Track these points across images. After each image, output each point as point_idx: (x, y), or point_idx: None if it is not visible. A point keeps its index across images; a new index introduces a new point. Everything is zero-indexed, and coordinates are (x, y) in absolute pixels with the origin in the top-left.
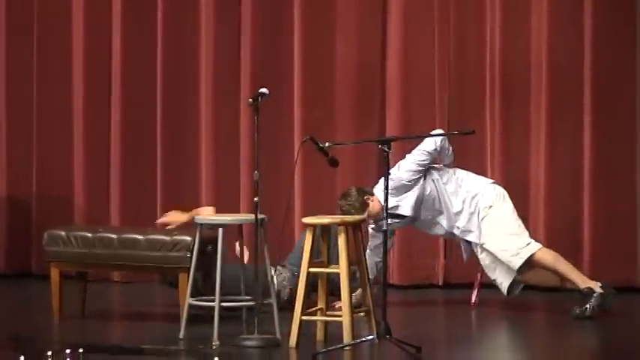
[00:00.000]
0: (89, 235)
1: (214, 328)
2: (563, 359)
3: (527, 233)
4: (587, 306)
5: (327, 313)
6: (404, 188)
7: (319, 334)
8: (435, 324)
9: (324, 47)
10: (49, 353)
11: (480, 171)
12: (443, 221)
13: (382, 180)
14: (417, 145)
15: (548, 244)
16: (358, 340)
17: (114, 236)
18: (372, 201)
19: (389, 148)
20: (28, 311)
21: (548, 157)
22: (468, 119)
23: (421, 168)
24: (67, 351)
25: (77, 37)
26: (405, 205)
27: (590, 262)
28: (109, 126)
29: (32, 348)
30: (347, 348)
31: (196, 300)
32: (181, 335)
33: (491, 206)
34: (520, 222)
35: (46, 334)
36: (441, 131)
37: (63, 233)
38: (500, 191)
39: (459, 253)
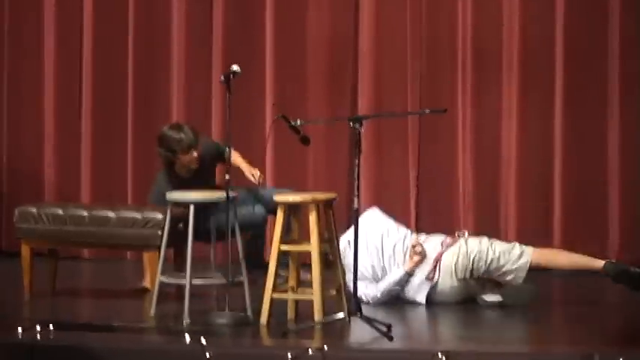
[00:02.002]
0: (60, 212)
1: (185, 306)
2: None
3: None
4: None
5: (298, 290)
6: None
7: (290, 312)
8: (406, 302)
9: (296, 22)
10: (20, 330)
11: (452, 145)
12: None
13: (350, 234)
14: (388, 121)
15: (520, 214)
16: (329, 318)
17: (85, 213)
18: None
19: (360, 126)
20: None
21: (519, 129)
22: (440, 94)
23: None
24: (38, 328)
25: (49, 11)
26: None
27: (562, 233)
28: (79, 102)
29: (3, 324)
30: (318, 326)
31: (167, 277)
32: (152, 313)
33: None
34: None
35: (16, 311)
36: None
37: (34, 210)
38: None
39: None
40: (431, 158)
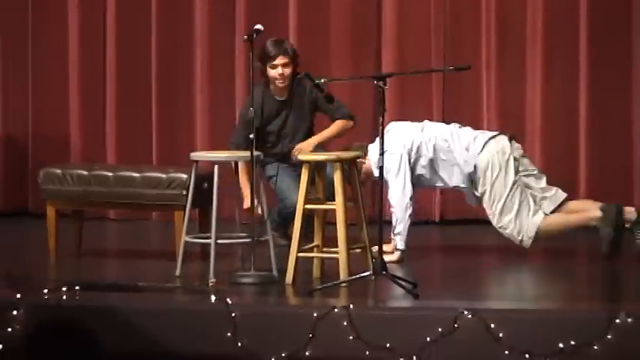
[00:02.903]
0: (85, 172)
1: (210, 266)
2: (554, 292)
3: (528, 207)
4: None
5: (324, 249)
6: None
7: (315, 271)
8: (432, 260)
9: None
10: (46, 291)
11: (476, 105)
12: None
13: (377, 140)
14: (412, 81)
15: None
16: (354, 277)
17: (109, 174)
18: (364, 162)
19: (384, 84)
20: (25, 250)
21: (544, 92)
22: (463, 57)
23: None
24: (64, 289)
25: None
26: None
27: (586, 192)
28: (104, 64)
29: (29, 286)
30: (343, 284)
31: (192, 237)
32: (177, 272)
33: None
34: (518, 195)
35: (42, 273)
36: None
37: (59, 171)
38: (495, 154)
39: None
40: (455, 117)
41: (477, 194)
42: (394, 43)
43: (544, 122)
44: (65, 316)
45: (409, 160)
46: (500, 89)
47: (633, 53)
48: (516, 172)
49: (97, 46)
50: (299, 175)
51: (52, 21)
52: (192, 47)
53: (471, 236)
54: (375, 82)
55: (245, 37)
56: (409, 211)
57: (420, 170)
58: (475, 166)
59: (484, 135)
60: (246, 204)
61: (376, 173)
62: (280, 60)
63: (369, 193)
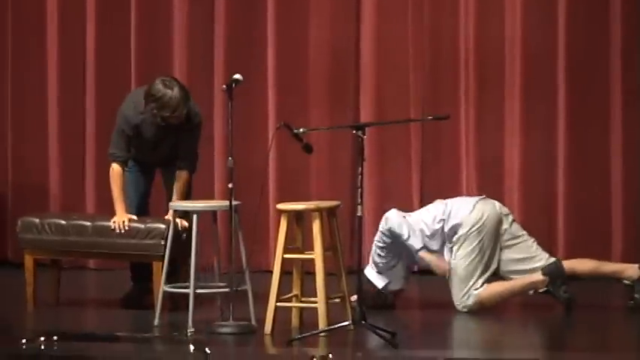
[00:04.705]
0: (63, 222)
1: (189, 315)
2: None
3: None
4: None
5: (302, 299)
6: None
7: (294, 321)
8: (411, 310)
9: (298, 32)
10: (24, 341)
11: (455, 155)
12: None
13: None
14: (391, 131)
15: (523, 226)
16: (333, 326)
17: (88, 224)
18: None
19: (363, 134)
20: (3, 299)
21: (522, 141)
22: (442, 105)
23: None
24: (42, 338)
25: (52, 31)
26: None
27: (565, 241)
28: (83, 114)
29: (7, 335)
30: (322, 334)
31: (171, 287)
32: (156, 322)
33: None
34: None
35: (20, 322)
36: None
37: (37, 220)
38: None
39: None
40: (434, 166)
41: (448, 245)
42: (372, 95)
43: (522, 171)
44: None
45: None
46: (478, 138)
47: (612, 101)
48: (495, 239)
49: (76, 96)
50: (144, 176)
51: (31, 69)
52: None
53: (447, 286)
54: (354, 131)
55: (224, 86)
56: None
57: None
58: (460, 225)
59: (471, 197)
60: (117, 219)
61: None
62: (172, 120)
63: (347, 242)
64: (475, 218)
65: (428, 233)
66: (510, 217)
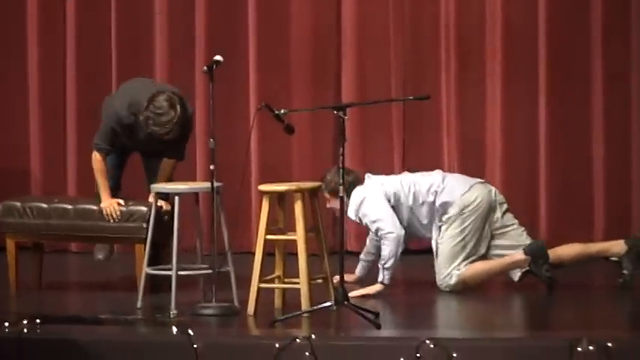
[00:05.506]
0: (44, 205)
1: (172, 297)
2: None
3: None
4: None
5: (285, 280)
6: None
7: (277, 302)
8: (394, 290)
9: (279, 10)
10: (6, 324)
11: (436, 134)
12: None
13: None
14: (372, 110)
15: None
16: (316, 307)
17: (69, 207)
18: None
19: (345, 114)
20: None
21: (503, 118)
22: (423, 83)
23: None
24: (25, 322)
25: (32, 16)
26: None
27: (547, 221)
28: (64, 97)
29: None
30: (305, 314)
31: (153, 269)
32: (139, 304)
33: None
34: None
35: (3, 306)
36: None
37: (18, 204)
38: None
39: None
40: (415, 147)
41: (437, 223)
42: (354, 74)
43: (504, 147)
44: (26, 349)
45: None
46: (460, 116)
47: (593, 79)
48: (484, 225)
49: (57, 76)
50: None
51: (12, 56)
52: (152, 75)
53: (432, 266)
54: (336, 112)
55: (205, 67)
56: (402, 247)
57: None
58: (451, 203)
59: (470, 179)
60: (106, 206)
61: (352, 216)
62: (163, 137)
63: (329, 223)
64: (468, 200)
65: (419, 200)
66: (505, 207)
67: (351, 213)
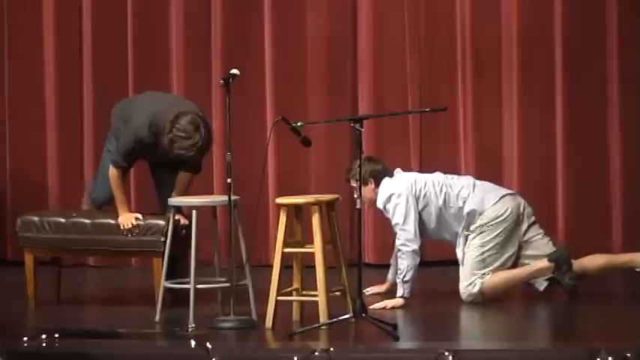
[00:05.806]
0: (62, 220)
1: (190, 311)
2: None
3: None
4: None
5: (303, 293)
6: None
7: (295, 314)
8: (412, 301)
9: (295, 23)
10: (25, 339)
11: (453, 145)
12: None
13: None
14: (389, 120)
15: None
16: (334, 319)
17: (87, 221)
18: (369, 185)
19: (361, 127)
20: (4, 298)
21: (520, 124)
22: (439, 92)
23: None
24: (43, 336)
25: (48, 26)
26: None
27: (565, 227)
28: (81, 112)
29: (8, 334)
30: (323, 327)
31: (171, 283)
32: (157, 318)
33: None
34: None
35: (21, 320)
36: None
37: (36, 219)
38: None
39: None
40: (433, 157)
41: (464, 232)
42: (370, 85)
43: (521, 156)
44: None
45: (417, 206)
46: (476, 124)
47: (609, 84)
48: (513, 236)
49: (74, 93)
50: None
51: (28, 69)
52: (169, 88)
53: (450, 277)
54: (352, 124)
55: (221, 81)
56: (418, 258)
57: (426, 219)
58: (480, 213)
59: (500, 189)
60: (124, 221)
61: (380, 206)
62: (183, 158)
63: (347, 235)
64: (498, 211)
65: (449, 203)
66: (532, 219)
67: (379, 203)
